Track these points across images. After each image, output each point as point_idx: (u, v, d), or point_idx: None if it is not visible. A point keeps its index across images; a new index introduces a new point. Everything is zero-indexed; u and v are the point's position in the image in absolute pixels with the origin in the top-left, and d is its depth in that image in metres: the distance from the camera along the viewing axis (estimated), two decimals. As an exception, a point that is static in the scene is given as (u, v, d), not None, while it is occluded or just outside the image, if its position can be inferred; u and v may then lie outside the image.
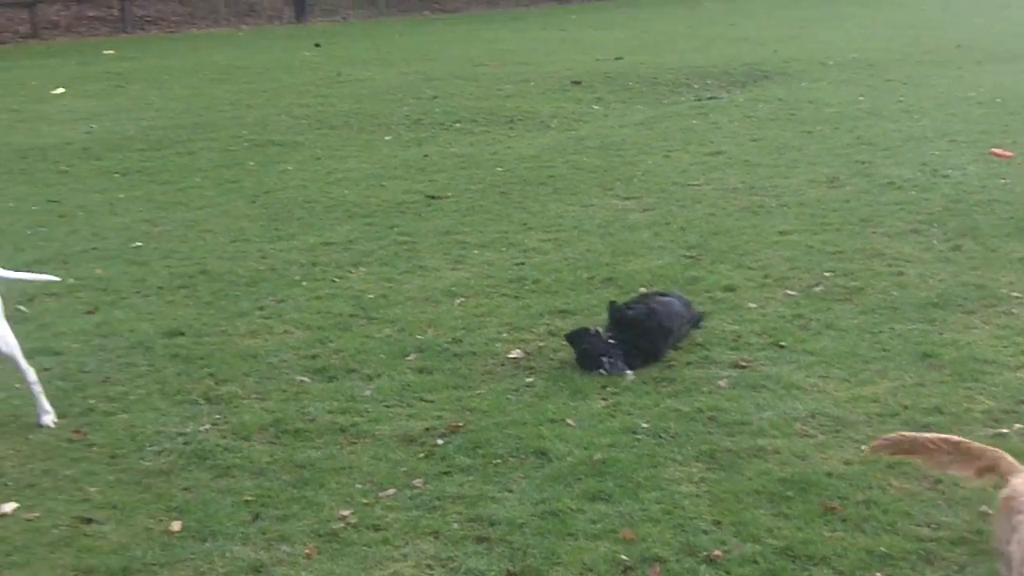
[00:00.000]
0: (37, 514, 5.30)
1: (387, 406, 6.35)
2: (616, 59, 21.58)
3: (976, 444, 4.56)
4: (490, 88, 18.67)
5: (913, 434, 4.75)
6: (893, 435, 4.78)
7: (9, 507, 5.37)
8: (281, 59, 24.06)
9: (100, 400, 6.59)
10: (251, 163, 13.59)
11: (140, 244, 10.07)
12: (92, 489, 5.51)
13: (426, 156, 13.57)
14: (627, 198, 11.08)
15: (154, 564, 4.82)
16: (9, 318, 6.39)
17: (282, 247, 9.76)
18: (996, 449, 4.51)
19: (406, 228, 10.20)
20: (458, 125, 15.62)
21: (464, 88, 18.71)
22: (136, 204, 11.82)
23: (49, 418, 6.29)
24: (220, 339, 7.49)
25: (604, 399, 6.36)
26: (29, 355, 7.26)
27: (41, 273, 6.79)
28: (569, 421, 6.04)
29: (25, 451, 5.99)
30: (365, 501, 5.27)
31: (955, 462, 4.51)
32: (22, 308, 8.37)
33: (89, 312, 8.21)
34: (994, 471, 4.38)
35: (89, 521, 5.20)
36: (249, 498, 5.35)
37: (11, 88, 20.54)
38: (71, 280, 9.04)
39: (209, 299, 8.38)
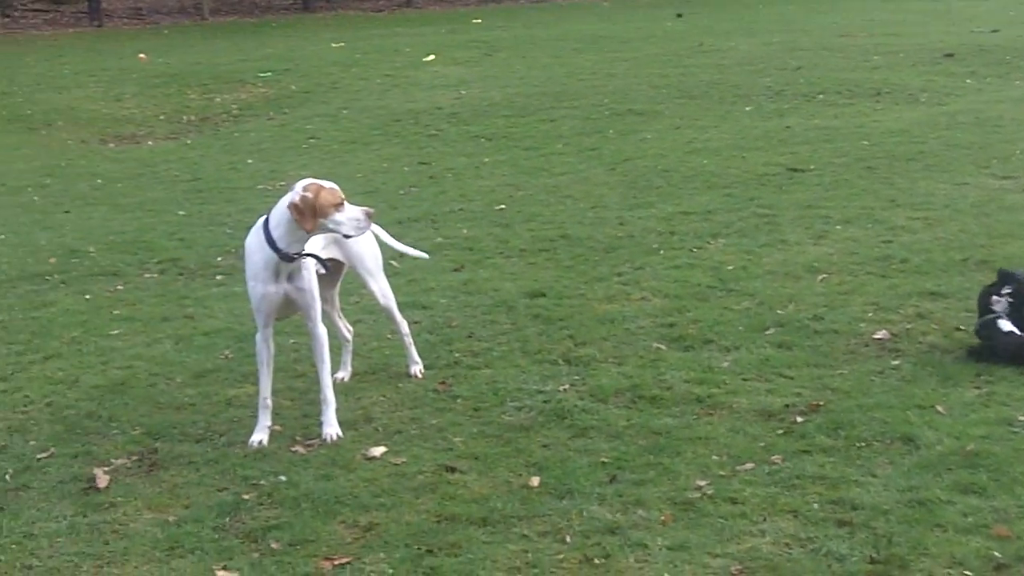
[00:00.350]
0: (404, 459, 5.52)
1: (745, 379, 6.24)
2: (992, 31, 20.38)
3: None
4: (856, 59, 18.04)
5: None
6: None
7: (378, 451, 5.62)
8: (643, 29, 24.14)
9: (465, 354, 6.81)
10: (611, 131, 13.70)
11: (504, 207, 10.35)
12: (456, 439, 5.70)
13: (788, 128, 13.26)
14: (1004, 177, 10.44)
15: (513, 516, 4.92)
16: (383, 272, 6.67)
17: (640, 215, 9.78)
18: None
19: (766, 200, 10.00)
20: (821, 97, 15.19)
21: (829, 59, 18.17)
22: (501, 168, 12.16)
23: (417, 368, 6.56)
24: (579, 302, 7.58)
25: (977, 387, 6.00)
26: (400, 308, 7.62)
27: (414, 247, 7.01)
28: (939, 408, 5.73)
29: (394, 399, 6.27)
30: (722, 473, 5.19)
31: None
32: (394, 263, 8.77)
33: (456, 270, 8.51)
34: None
35: (452, 470, 5.37)
36: (606, 460, 5.38)
37: (386, 55, 21.58)
38: (439, 239, 9.41)
39: (569, 263, 8.50)
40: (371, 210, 5.73)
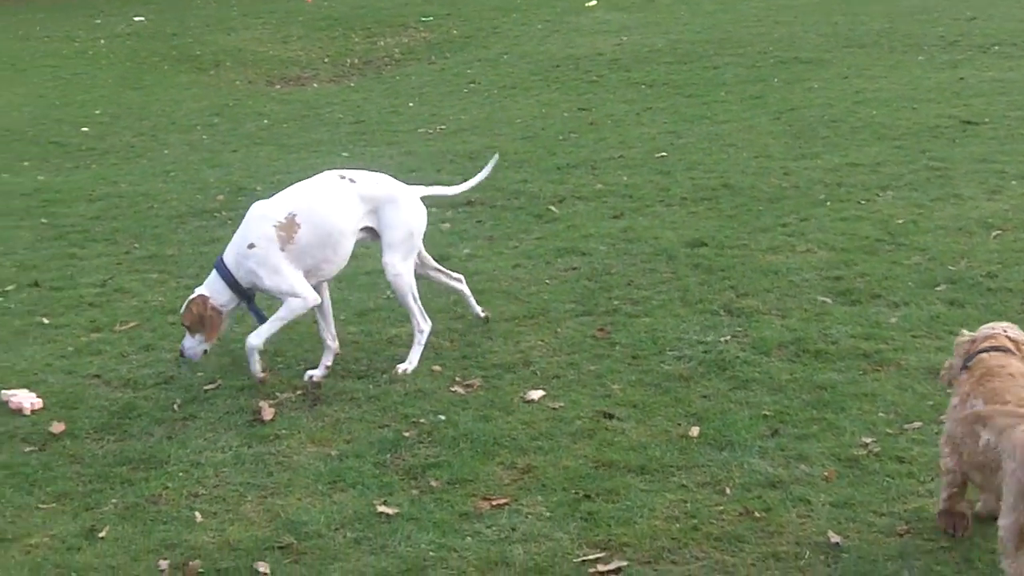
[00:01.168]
0: (561, 404, 5.52)
1: (914, 336, 6.05)
2: None
3: None
4: (1036, 9, 17.27)
5: None
6: None
7: (536, 394, 5.62)
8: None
9: (624, 302, 6.75)
10: (776, 80, 13.38)
11: (664, 154, 10.22)
12: (614, 386, 5.66)
13: (961, 79, 12.76)
14: None
15: (671, 466, 4.88)
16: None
17: (805, 165, 9.55)
18: None
19: (938, 153, 9.65)
20: (996, 48, 14.56)
21: (1005, 9, 17.40)
22: (661, 115, 12.00)
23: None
24: (741, 252, 7.45)
25: None
26: (559, 253, 7.62)
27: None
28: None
29: (552, 344, 6.25)
30: (889, 431, 5.05)
31: None
32: (552, 209, 8.75)
33: (615, 217, 8.44)
34: None
35: (610, 416, 5.35)
36: (767, 413, 5.28)
37: (548, 0, 21.43)
38: (599, 185, 9.34)
39: (731, 212, 8.35)
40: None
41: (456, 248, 7.99)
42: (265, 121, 13.38)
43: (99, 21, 21.67)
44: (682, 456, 4.96)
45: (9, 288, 7.68)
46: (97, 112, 14.36)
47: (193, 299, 5.83)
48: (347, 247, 6.00)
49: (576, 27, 18.17)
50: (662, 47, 15.87)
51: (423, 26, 19.54)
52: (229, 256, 5.85)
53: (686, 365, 5.86)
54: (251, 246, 5.79)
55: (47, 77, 17.05)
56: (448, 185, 6.89)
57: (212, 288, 5.84)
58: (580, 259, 7.53)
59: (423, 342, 6.08)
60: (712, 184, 9.12)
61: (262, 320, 5.94)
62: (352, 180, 5.97)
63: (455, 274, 6.56)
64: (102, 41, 19.61)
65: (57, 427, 5.55)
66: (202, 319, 5.77)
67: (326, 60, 17.81)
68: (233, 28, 20.04)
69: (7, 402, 5.81)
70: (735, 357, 5.89)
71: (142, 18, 21.54)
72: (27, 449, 5.37)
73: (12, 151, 12.36)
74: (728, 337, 6.15)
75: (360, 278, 7.43)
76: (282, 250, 5.77)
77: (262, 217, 5.86)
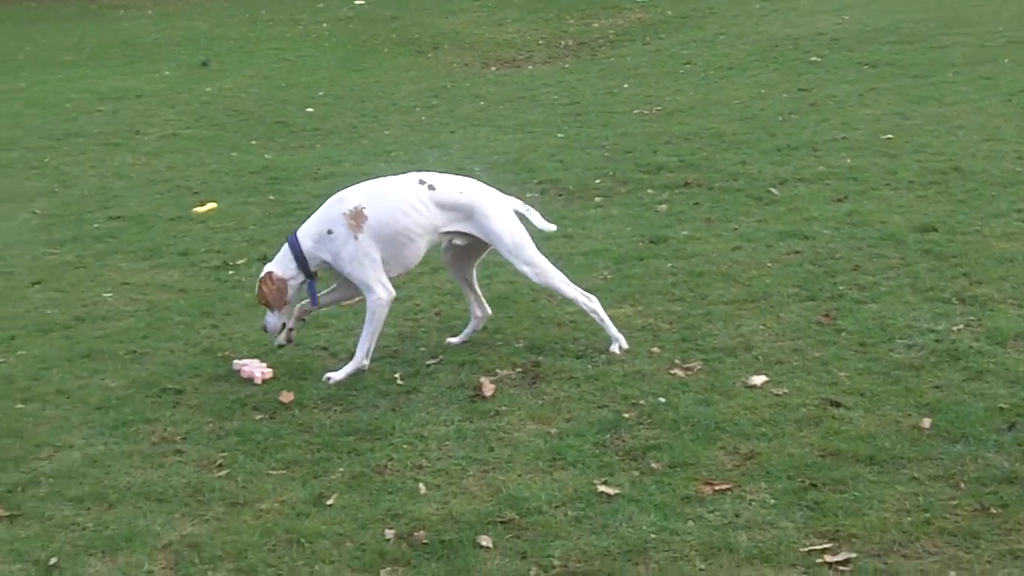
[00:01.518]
0: (785, 390, 5.39)
1: None
2: None
3: None
4: None
5: None
6: None
7: (759, 380, 5.51)
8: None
9: (849, 287, 6.57)
10: (1006, 60, 12.79)
11: (890, 136, 9.89)
12: (841, 374, 5.50)
13: None
14: None
15: (902, 457, 4.71)
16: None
17: (1042, 149, 9.11)
18: None
19: None
20: None
21: None
22: (886, 96, 11.62)
23: (617, 345, 6.02)
24: (974, 239, 7.14)
25: None
26: (781, 237, 7.47)
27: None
28: None
29: (775, 328, 6.13)
30: None
31: None
32: (773, 191, 8.58)
33: (838, 200, 8.22)
34: None
35: (837, 405, 5.20)
36: (1004, 406, 5.05)
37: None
38: (821, 167, 9.11)
39: (962, 197, 8.02)
40: (292, 328, 6.11)
41: (673, 230, 7.91)
42: (482, 103, 13.53)
43: (322, 5, 22.31)
44: (913, 448, 4.78)
45: (240, 262, 7.97)
46: (321, 93, 14.78)
47: (262, 278, 5.96)
48: (415, 249, 5.97)
49: (795, 6, 17.76)
50: (885, 26, 15.36)
51: (637, 7, 19.44)
52: (305, 237, 5.93)
53: (917, 354, 5.65)
54: (329, 232, 5.88)
55: (273, 59, 17.65)
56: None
57: (281, 264, 5.95)
58: (803, 243, 7.36)
59: (604, 317, 6.02)
60: (941, 167, 8.78)
61: (315, 302, 6.09)
62: (432, 186, 5.92)
63: (486, 307, 6.37)
64: (325, 24, 20.19)
65: (286, 396, 5.72)
66: (271, 294, 5.90)
67: (541, 42, 17.90)
68: (450, 11, 20.34)
69: (239, 371, 6.03)
70: (968, 347, 5.65)
71: (363, 2, 22.08)
72: (258, 417, 5.56)
73: (241, 130, 12.84)
74: (961, 326, 5.91)
75: (576, 259, 7.43)
76: (355, 239, 5.82)
77: (339, 201, 5.96)
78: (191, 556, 4.35)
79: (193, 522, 4.61)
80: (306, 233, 5.96)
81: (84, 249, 8.55)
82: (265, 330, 6.11)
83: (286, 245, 5.99)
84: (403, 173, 6.11)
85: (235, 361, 6.13)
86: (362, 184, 6.10)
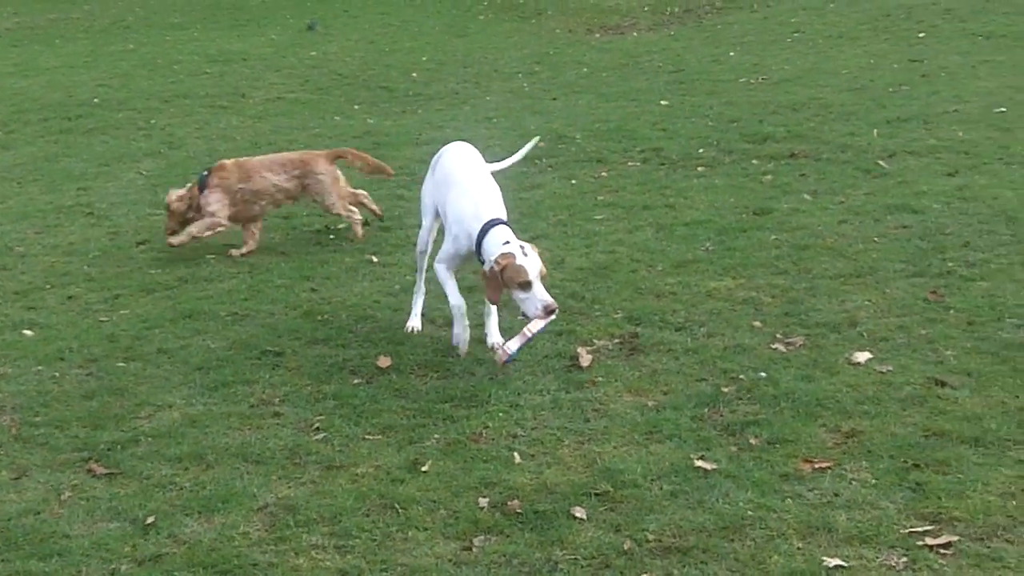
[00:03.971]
0: (890, 368, 5.27)
1: None
2: None
3: None
4: None
5: None
6: None
7: (863, 356, 5.39)
8: None
9: (959, 264, 6.39)
10: None
11: (1004, 109, 9.61)
12: (947, 352, 5.36)
13: None
14: None
15: (1009, 440, 4.58)
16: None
17: None
18: None
19: None
20: None
21: None
22: (1000, 68, 11.31)
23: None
24: (1091, 216, 6.91)
25: None
26: (888, 211, 7.29)
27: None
28: None
29: (881, 304, 5.99)
30: None
31: None
32: (881, 163, 8.38)
33: (949, 174, 8.01)
34: None
35: (943, 384, 5.06)
36: (1119, 391, 4.88)
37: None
38: (932, 140, 8.89)
39: (1080, 173, 7.77)
40: (553, 305, 5.34)
41: (778, 201, 7.77)
42: (584, 70, 13.43)
43: (427, -30, 22.31)
44: (1020, 430, 4.64)
45: (341, 226, 8.00)
46: (424, 59, 14.80)
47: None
48: None
49: (909, -25, 17.34)
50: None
51: (746, -26, 19.12)
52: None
53: (1027, 334, 5.49)
54: None
55: (377, 24, 17.72)
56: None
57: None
58: (911, 217, 7.18)
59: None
60: (1057, 142, 8.52)
61: None
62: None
63: None
64: (429, -11, 20.19)
65: (384, 361, 5.74)
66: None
67: (646, 9, 17.72)
68: (555, -23, 20.22)
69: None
70: (1083, 328, 5.48)
71: (467, -33, 22.02)
72: (355, 381, 5.58)
73: (345, 95, 12.90)
74: (1076, 306, 5.73)
75: (678, 229, 7.34)
76: None
77: None
78: (286, 518, 4.38)
79: (289, 484, 4.64)
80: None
81: (189, 210, 8.66)
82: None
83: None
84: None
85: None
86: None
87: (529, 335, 5.42)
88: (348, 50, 15.62)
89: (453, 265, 5.83)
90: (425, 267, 6.19)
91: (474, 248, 5.60)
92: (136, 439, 5.09)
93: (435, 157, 6.21)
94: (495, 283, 5.39)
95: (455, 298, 5.77)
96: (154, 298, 6.89)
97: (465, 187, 5.79)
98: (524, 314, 5.42)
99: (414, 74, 13.83)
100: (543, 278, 5.40)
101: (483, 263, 5.53)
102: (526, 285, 5.33)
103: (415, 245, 6.27)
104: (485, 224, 5.57)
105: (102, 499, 4.61)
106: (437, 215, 6.10)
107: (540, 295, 5.33)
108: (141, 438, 5.10)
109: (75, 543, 4.28)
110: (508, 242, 5.44)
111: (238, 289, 6.94)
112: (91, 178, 9.82)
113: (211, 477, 4.73)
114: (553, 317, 5.42)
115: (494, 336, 5.82)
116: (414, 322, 6.19)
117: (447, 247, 5.82)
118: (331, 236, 7.88)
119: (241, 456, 4.89)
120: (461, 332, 5.78)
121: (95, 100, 13.16)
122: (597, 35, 16.22)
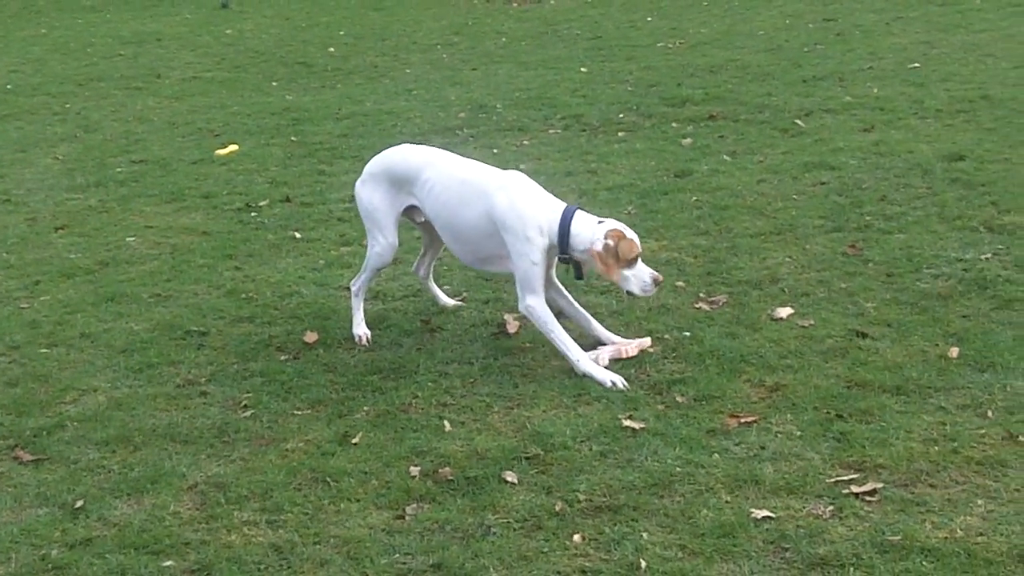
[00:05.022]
0: (811, 322, 5.35)
1: None
2: None
3: None
4: None
5: None
6: None
7: (784, 312, 5.46)
8: None
9: (876, 218, 6.49)
10: (1038, -15, 12.58)
11: (917, 65, 9.76)
12: (867, 304, 5.45)
13: None
14: None
15: (928, 387, 4.67)
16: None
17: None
18: None
19: None
20: None
21: None
22: (913, 25, 11.46)
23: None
24: (1003, 167, 7.05)
25: None
26: (806, 168, 7.38)
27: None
28: None
29: (801, 260, 6.07)
30: None
31: None
32: (798, 122, 8.47)
33: (865, 130, 8.12)
34: None
35: (864, 335, 5.15)
36: (1032, 334, 5.00)
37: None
38: (847, 98, 9.00)
39: (991, 125, 7.92)
40: (660, 277, 5.14)
41: (698, 163, 7.84)
42: (503, 39, 13.41)
43: (341, -56, 22.11)
44: (940, 377, 4.74)
45: (263, 203, 7.95)
46: (341, 33, 14.69)
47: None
48: None
49: (821, -65, 17.49)
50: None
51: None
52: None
53: (944, 283, 5.59)
54: None
55: (292, 0, 17.52)
56: None
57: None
58: (829, 174, 7.27)
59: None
60: (969, 96, 8.66)
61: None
62: None
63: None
64: (344, -36, 20.01)
65: (310, 336, 5.71)
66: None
67: (563, -24, 17.70)
68: (471, -53, 20.13)
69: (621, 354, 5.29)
70: (997, 276, 5.59)
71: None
72: (282, 358, 5.55)
73: (262, 72, 12.78)
74: (989, 255, 5.84)
75: (601, 194, 7.37)
76: None
77: None
78: (217, 496, 4.35)
79: (219, 462, 4.61)
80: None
81: (107, 193, 8.55)
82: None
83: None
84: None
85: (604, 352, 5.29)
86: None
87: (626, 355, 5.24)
88: (264, 27, 15.46)
89: (543, 289, 5.24)
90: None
91: (556, 241, 5.14)
92: (62, 424, 5.03)
93: (390, 166, 5.90)
94: (613, 259, 5.05)
95: (575, 352, 5.13)
96: (74, 282, 6.79)
97: (506, 187, 5.29)
98: (629, 292, 5.15)
99: (331, 49, 13.73)
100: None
101: (566, 255, 5.18)
102: (635, 261, 5.11)
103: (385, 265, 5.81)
104: (565, 211, 5.18)
105: (30, 485, 4.55)
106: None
107: (647, 269, 5.12)
108: (67, 423, 5.03)
109: (3, 530, 4.23)
110: (602, 221, 5.13)
111: (160, 270, 6.87)
112: (7, 164, 9.65)
113: (139, 459, 4.69)
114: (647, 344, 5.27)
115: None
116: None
117: (524, 268, 5.16)
118: (253, 214, 7.82)
119: (169, 436, 4.85)
120: (605, 378, 5.04)
121: (8, 86, 12.92)
122: (515, 4, 16.20)
